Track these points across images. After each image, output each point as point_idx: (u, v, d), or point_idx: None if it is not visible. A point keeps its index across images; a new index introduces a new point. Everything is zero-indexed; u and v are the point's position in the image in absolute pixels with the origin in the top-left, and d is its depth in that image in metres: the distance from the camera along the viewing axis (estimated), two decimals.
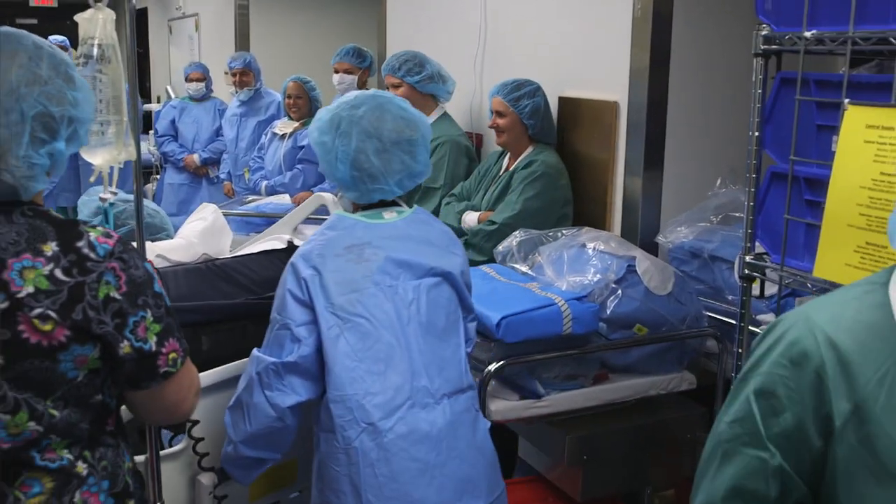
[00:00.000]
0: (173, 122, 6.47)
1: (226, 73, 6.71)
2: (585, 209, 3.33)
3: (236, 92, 6.02)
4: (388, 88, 3.72)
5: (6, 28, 1.46)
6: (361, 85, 5.09)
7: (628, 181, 3.16)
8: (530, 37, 3.61)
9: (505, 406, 2.52)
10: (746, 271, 2.10)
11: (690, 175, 3.18)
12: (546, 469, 2.80)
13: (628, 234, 3.14)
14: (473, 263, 3.10)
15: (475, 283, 2.59)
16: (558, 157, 3.32)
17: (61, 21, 11.60)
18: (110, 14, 2.01)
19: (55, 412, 1.46)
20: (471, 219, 3.33)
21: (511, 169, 3.33)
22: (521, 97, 3.28)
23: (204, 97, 6.50)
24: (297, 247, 2.17)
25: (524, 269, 2.81)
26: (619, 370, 2.71)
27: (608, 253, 2.69)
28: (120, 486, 1.58)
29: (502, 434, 2.53)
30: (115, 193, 2.12)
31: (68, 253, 1.44)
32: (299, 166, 4.90)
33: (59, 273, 1.42)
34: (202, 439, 2.13)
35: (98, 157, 2.04)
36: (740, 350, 2.12)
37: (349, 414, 1.93)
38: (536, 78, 3.34)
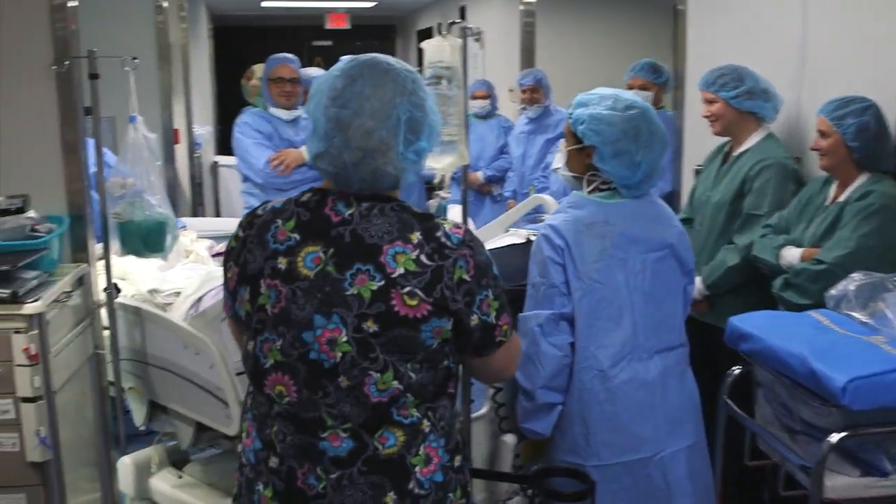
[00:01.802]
0: None
1: (510, 91, 6.64)
2: None
3: (524, 109, 5.91)
4: (703, 104, 3.42)
5: (373, 55, 1.77)
6: (657, 101, 4.82)
7: None
8: (866, 49, 3.17)
9: (844, 482, 2.16)
10: None
11: None
12: None
13: None
14: (796, 307, 2.75)
15: (805, 332, 2.37)
16: None
17: (352, 42, 12.20)
18: (458, 42, 2.58)
19: (413, 374, 1.71)
20: (792, 255, 2.94)
21: (841, 200, 2.91)
22: (846, 115, 2.84)
23: (489, 114, 6.44)
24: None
25: (864, 318, 2.41)
26: None
27: None
28: (453, 443, 1.83)
29: None
30: (448, 195, 2.63)
31: (430, 241, 1.70)
32: None
33: (423, 258, 1.68)
34: (503, 405, 2.58)
35: (442, 162, 2.55)
36: None
37: (585, 361, 2.38)
38: (877, 96, 2.90)
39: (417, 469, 1.75)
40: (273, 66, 4.39)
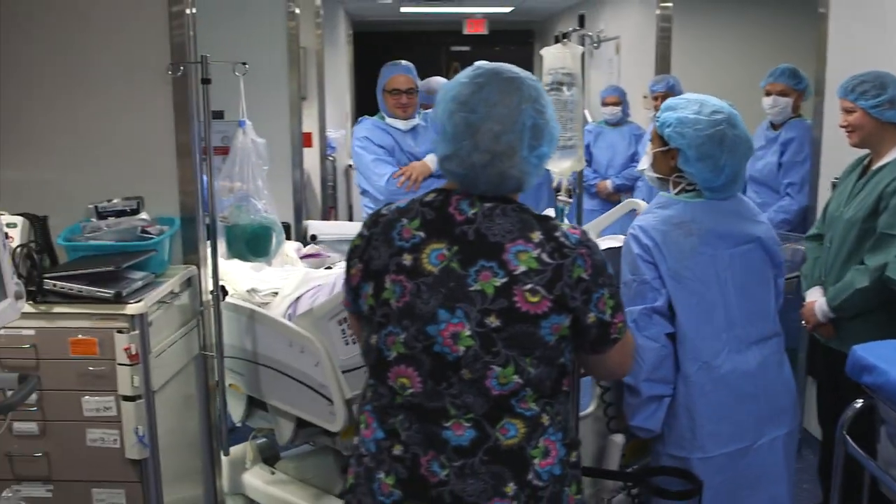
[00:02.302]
0: (588, 146, 6.29)
1: (644, 97, 6.46)
2: None
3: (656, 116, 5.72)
4: (841, 113, 3.19)
5: (498, 63, 1.86)
6: (795, 109, 4.58)
7: None
8: None
9: None
10: None
11: None
12: None
13: None
14: None
15: None
16: None
17: (490, 47, 12.19)
18: (578, 49, 2.65)
19: (532, 369, 1.77)
20: None
21: None
22: None
23: (620, 121, 6.29)
24: None
25: None
26: None
27: None
28: (569, 438, 1.90)
29: None
30: (570, 199, 2.81)
31: (550, 240, 1.77)
32: None
33: (544, 256, 1.75)
34: (612, 404, 2.62)
35: (560, 166, 2.63)
36: None
37: (689, 354, 2.43)
38: None
39: (536, 461, 1.81)
40: (388, 76, 4.23)
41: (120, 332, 2.57)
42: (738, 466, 2.47)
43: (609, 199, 6.19)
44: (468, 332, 1.74)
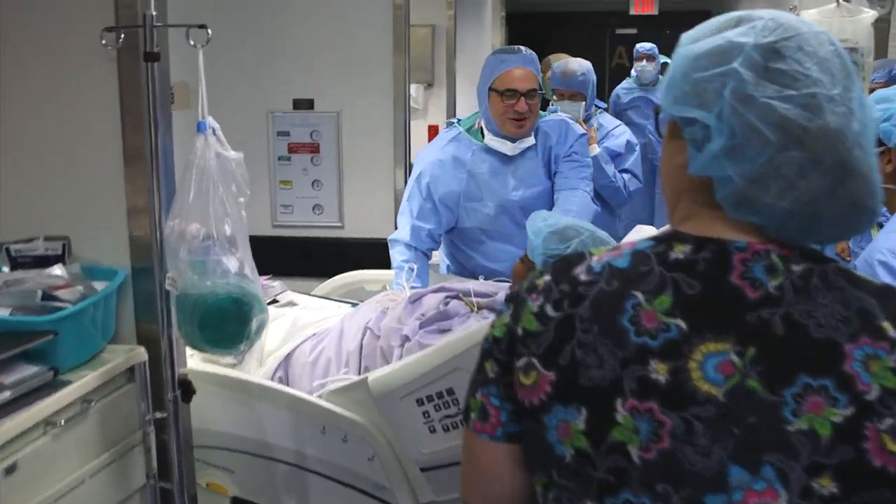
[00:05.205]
0: None
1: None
2: None
3: None
4: None
5: (793, 16, 1.13)
6: None
7: None
8: None
9: None
10: None
11: None
12: None
13: None
14: None
15: None
16: None
17: (660, 29, 10.89)
18: (867, 15, 2.48)
19: None
20: None
21: None
22: None
23: None
24: None
25: None
26: None
27: None
28: None
29: None
30: None
31: None
32: None
33: None
34: None
35: None
36: None
37: None
38: None
39: None
40: (501, 69, 2.80)
41: None
42: None
43: None
44: None
